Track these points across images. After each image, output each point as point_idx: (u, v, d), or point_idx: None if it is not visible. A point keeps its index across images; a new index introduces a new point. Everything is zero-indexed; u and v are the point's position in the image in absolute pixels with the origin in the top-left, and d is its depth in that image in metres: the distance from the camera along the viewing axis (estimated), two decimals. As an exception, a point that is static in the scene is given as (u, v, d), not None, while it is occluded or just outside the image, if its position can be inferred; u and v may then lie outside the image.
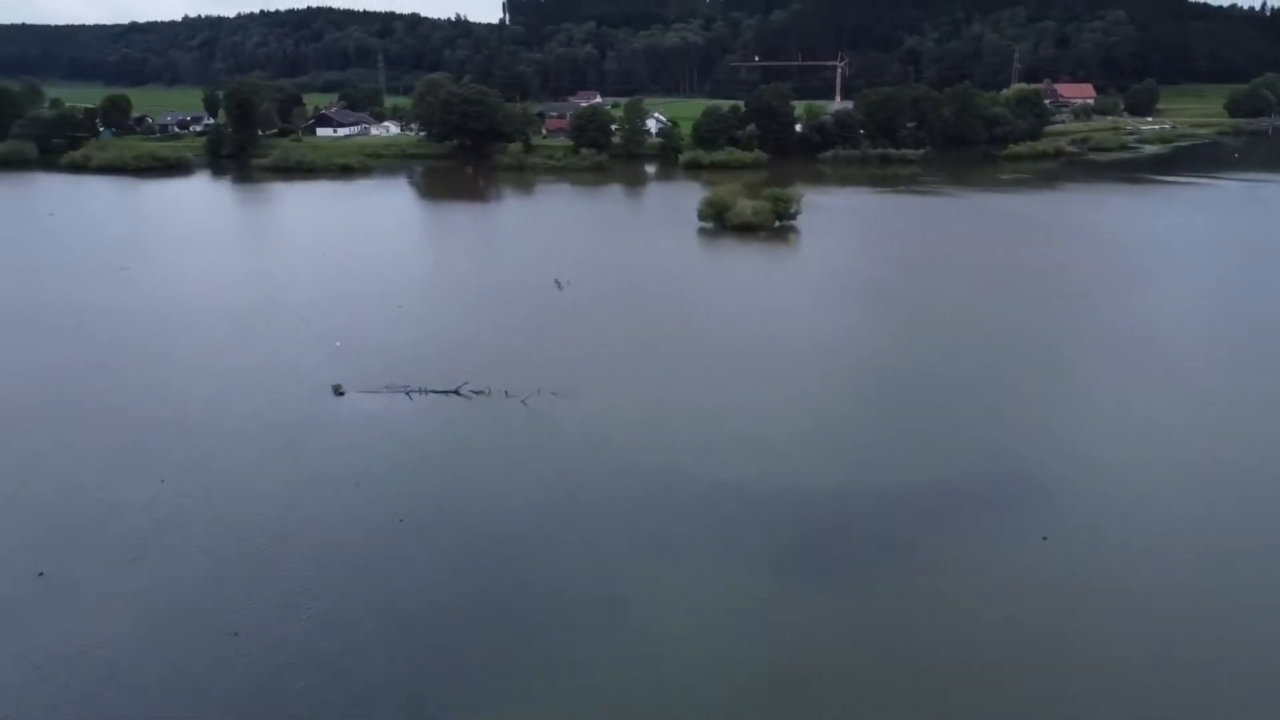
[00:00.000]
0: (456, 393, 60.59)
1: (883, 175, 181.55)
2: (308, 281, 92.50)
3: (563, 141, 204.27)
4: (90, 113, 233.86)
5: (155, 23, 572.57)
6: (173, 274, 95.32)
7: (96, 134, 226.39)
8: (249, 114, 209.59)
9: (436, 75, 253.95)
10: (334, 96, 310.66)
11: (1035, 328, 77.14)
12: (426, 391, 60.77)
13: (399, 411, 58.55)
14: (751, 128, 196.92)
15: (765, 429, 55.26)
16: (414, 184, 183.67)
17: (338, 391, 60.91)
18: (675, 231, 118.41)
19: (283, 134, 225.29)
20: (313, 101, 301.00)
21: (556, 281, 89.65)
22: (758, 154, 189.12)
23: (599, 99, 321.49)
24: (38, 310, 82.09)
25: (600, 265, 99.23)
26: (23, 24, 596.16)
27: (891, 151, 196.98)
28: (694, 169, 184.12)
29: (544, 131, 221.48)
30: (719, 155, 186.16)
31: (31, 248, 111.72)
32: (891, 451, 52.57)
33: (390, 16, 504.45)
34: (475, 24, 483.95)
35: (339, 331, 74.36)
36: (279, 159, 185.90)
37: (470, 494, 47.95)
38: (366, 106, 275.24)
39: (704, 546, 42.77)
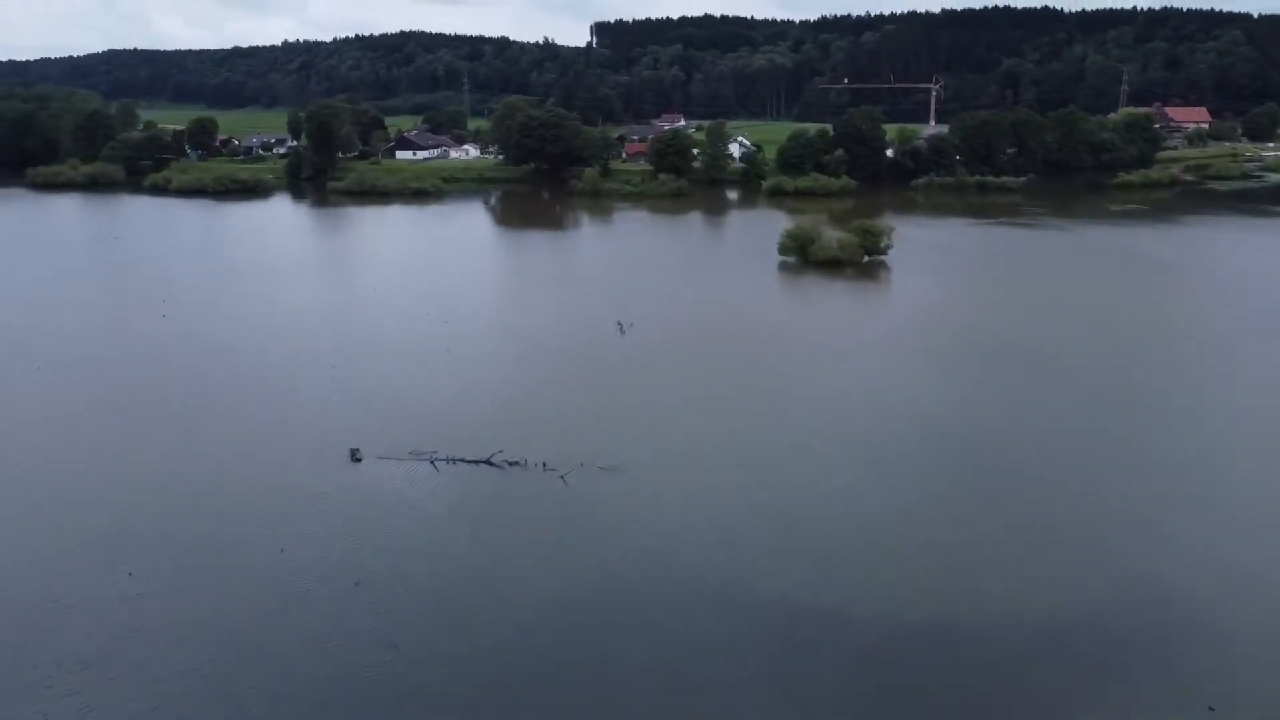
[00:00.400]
0: (488, 463, 52.36)
1: (980, 204, 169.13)
2: (350, 320, 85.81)
3: (642, 166, 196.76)
4: (178, 135, 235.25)
5: (257, 47, 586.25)
6: (211, 311, 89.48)
7: (184, 156, 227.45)
8: (328, 137, 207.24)
9: (515, 98, 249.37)
10: (419, 119, 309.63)
11: (1171, 393, 65.65)
12: (454, 460, 52.66)
13: (420, 485, 50.52)
14: (840, 153, 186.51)
15: (848, 531, 45.53)
16: (488, 209, 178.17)
17: (355, 457, 53.24)
18: (754, 266, 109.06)
19: (363, 157, 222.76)
20: (399, 124, 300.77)
21: (619, 324, 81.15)
22: (845, 180, 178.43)
23: (683, 122, 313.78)
24: (61, 346, 76.93)
25: (669, 305, 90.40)
26: (134, 49, 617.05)
27: (990, 179, 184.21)
28: (777, 196, 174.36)
29: (623, 156, 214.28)
30: (804, 182, 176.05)
31: (84, 275, 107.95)
32: (1003, 567, 42.26)
33: (480, 40, 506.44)
34: (562, 47, 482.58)
35: (370, 384, 67.06)
36: (354, 182, 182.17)
37: (481, 604, 39.38)
38: (450, 129, 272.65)
39: (757, 693, 33.39)
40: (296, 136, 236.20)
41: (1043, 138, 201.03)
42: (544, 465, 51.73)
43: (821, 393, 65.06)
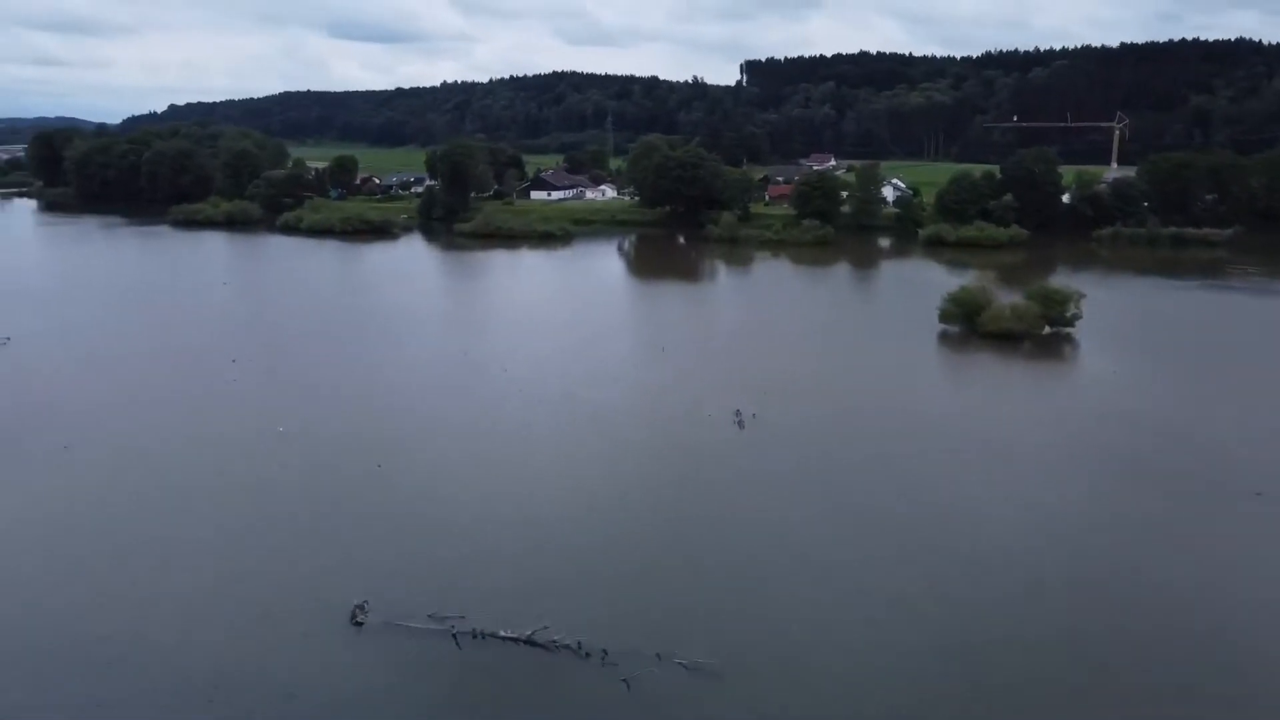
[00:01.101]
0: (529, 641, 37.29)
1: (1176, 260, 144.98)
2: (417, 399, 71.73)
3: (786, 210, 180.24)
4: (320, 173, 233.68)
5: (418, 88, 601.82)
6: (271, 377, 78.35)
7: (325, 194, 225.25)
8: (461, 176, 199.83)
9: (653, 137, 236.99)
10: (561, 159, 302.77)
11: None
12: (483, 635, 37.81)
13: (432, 670, 35.92)
14: (1008, 198, 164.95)
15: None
16: (618, 254, 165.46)
17: (355, 619, 39.10)
18: (910, 335, 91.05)
19: (497, 197, 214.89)
20: (544, 163, 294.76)
21: (738, 415, 65.05)
22: (1015, 230, 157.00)
23: (833, 162, 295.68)
24: (63, 419, 66.61)
25: (803, 387, 73.56)
26: (307, 90, 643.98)
27: (1187, 231, 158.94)
28: (936, 246, 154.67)
29: (766, 198, 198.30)
30: (968, 231, 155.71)
31: (173, 324, 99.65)
32: None
33: (629, 80, 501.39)
34: (711, 86, 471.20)
35: (412, 488, 53.31)
36: (480, 224, 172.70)
37: None
38: (590, 169, 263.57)
39: None
40: (434, 176, 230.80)
41: (1248, 183, 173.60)
42: (604, 654, 36.27)
43: (996, 543, 47.11)
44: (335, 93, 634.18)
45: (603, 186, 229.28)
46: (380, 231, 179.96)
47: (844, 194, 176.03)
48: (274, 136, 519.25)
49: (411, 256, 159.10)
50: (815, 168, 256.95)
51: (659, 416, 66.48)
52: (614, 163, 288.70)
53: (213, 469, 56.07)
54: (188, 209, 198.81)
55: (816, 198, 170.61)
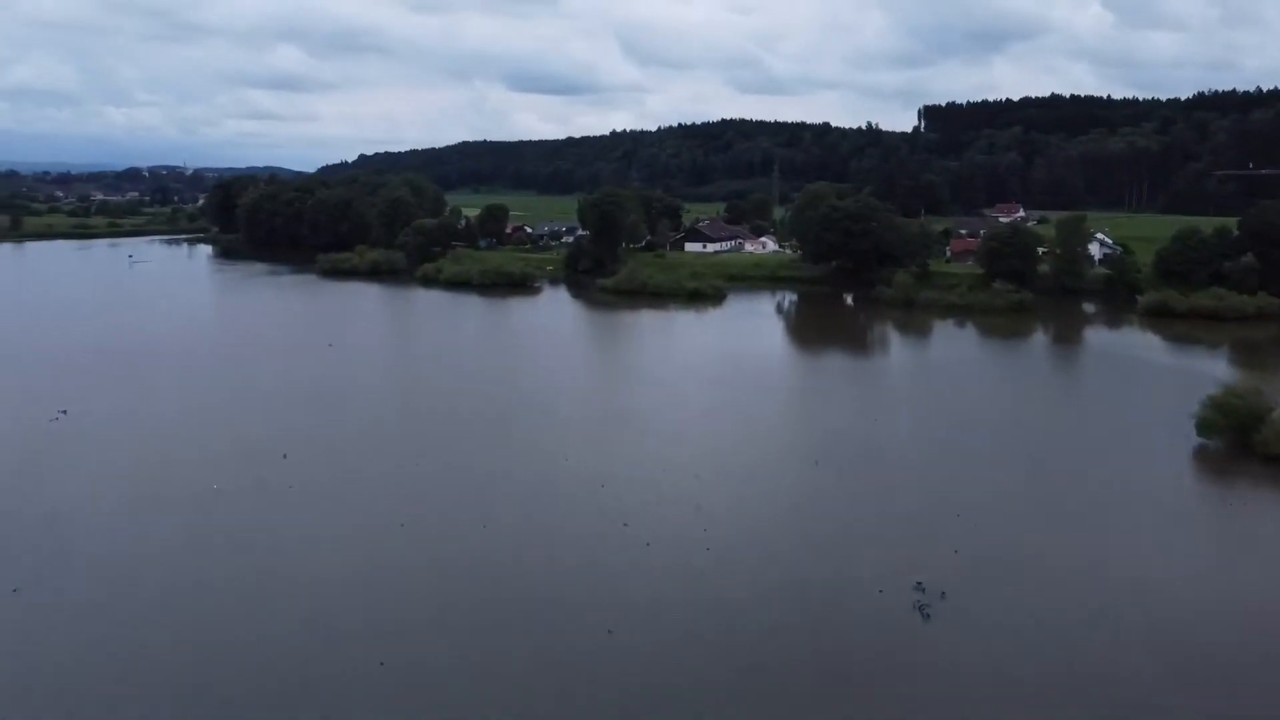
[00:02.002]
0: None
1: None
2: (465, 527, 54.08)
3: (970, 268, 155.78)
4: (471, 221, 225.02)
5: (588, 137, 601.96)
6: (313, 489, 62.58)
7: (475, 243, 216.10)
8: (611, 226, 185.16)
9: (820, 185, 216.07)
10: (723, 207, 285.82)
11: None
12: None
13: None
14: (1248, 258, 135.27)
15: None
16: (776, 316, 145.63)
17: None
18: (1152, 450, 67.08)
19: (649, 248, 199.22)
20: (710, 211, 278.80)
21: (918, 593, 43.86)
22: (1263, 299, 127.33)
23: (1021, 213, 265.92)
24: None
25: (1009, 540, 51.47)
26: (484, 140, 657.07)
27: None
28: (1160, 317, 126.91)
29: (948, 254, 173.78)
30: (1203, 299, 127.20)
31: (252, 397, 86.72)
32: None
33: (799, 127, 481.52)
34: (886, 132, 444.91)
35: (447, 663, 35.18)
36: (624, 280, 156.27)
37: None
38: (752, 219, 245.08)
39: None
40: (584, 225, 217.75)
41: None
42: None
43: None
44: (510, 142, 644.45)
45: (764, 239, 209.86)
46: (520, 285, 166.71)
47: (1042, 251, 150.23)
48: (450, 185, 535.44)
49: (543, 315, 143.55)
50: (1002, 219, 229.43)
51: (802, 579, 45.98)
52: (778, 212, 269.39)
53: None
54: (335, 258, 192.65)
55: (1009, 255, 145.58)
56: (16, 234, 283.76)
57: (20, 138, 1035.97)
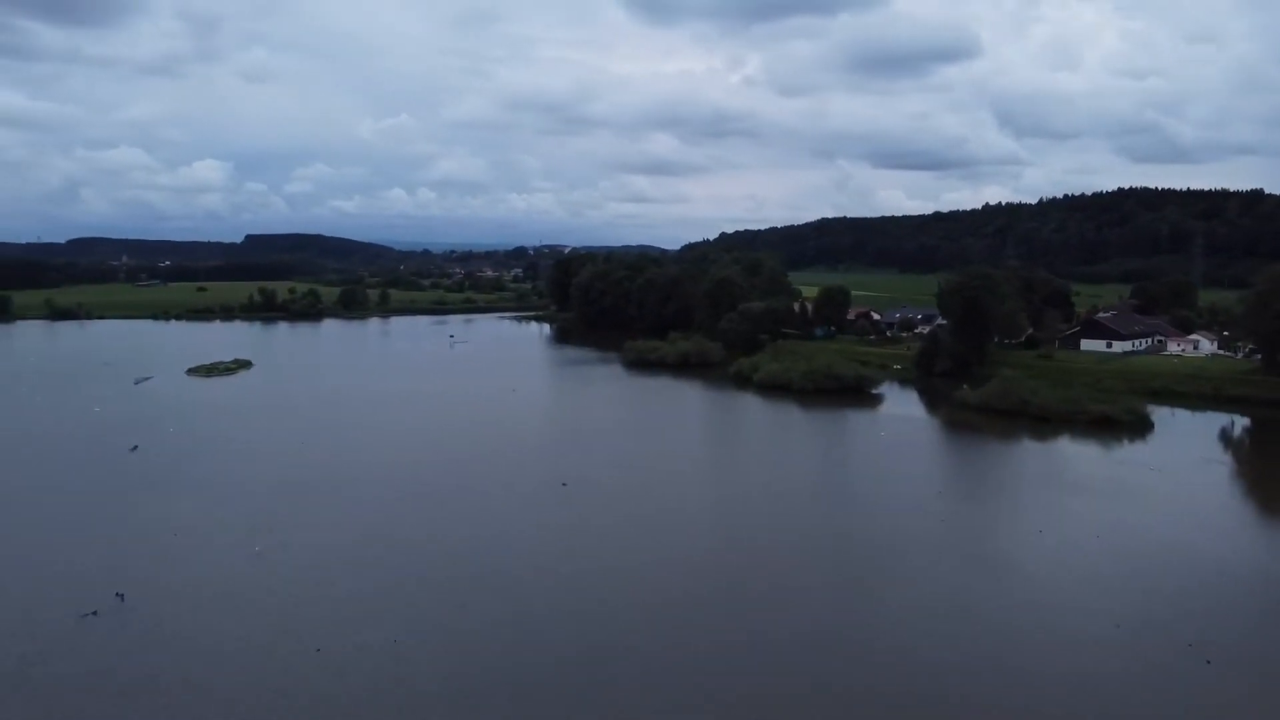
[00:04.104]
0: None
1: None
2: None
3: None
4: (805, 306, 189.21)
5: (957, 212, 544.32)
6: None
7: (809, 331, 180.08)
8: (979, 316, 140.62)
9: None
10: (1126, 291, 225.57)
11: None
12: None
13: None
14: None
15: None
16: (1228, 455, 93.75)
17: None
18: None
19: (1030, 345, 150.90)
20: (1104, 295, 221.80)
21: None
22: None
23: None
24: None
25: None
26: (843, 216, 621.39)
27: None
28: None
29: None
30: None
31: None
32: None
33: (1219, 195, 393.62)
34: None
35: None
36: (995, 394, 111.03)
37: None
38: (1169, 307, 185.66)
39: None
40: (945, 313, 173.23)
41: None
42: None
43: None
44: (871, 218, 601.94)
45: (1194, 336, 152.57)
46: (853, 391, 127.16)
47: None
48: (804, 262, 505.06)
49: (874, 448, 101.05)
50: None
51: None
52: (1205, 297, 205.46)
53: None
54: (641, 346, 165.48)
55: None
56: (383, 308, 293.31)
57: (443, 222, 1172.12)
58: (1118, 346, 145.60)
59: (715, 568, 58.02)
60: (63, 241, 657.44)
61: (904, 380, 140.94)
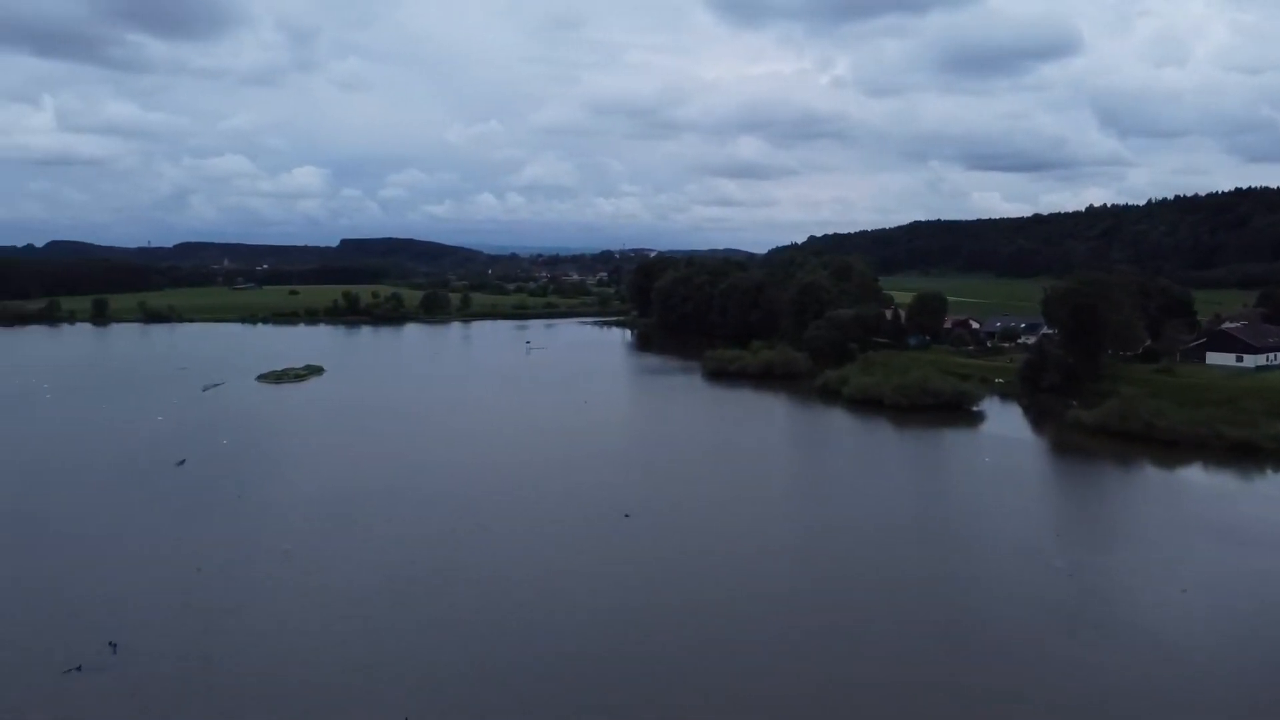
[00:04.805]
0: None
1: None
2: None
3: None
4: (898, 313, 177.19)
5: (1057, 214, 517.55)
6: None
7: (902, 341, 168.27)
8: (1092, 325, 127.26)
9: None
10: (1248, 298, 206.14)
11: None
12: None
13: None
14: None
15: None
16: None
17: None
18: None
19: (1149, 358, 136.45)
20: (1222, 301, 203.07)
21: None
22: None
23: None
24: None
25: None
26: (937, 220, 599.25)
27: None
28: None
29: None
30: None
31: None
32: None
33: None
34: None
35: None
36: (1114, 414, 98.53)
37: None
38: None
39: None
40: (1051, 322, 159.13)
41: None
42: None
43: None
44: (965, 221, 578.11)
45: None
46: (950, 407, 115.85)
47: None
48: (895, 267, 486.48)
49: (976, 468, 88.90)
50: None
51: None
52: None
53: None
54: (723, 355, 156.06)
55: None
56: (464, 313, 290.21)
57: (531, 226, 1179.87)
58: (1249, 360, 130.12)
59: (785, 621, 49.00)
60: (170, 246, 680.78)
61: (1005, 395, 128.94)
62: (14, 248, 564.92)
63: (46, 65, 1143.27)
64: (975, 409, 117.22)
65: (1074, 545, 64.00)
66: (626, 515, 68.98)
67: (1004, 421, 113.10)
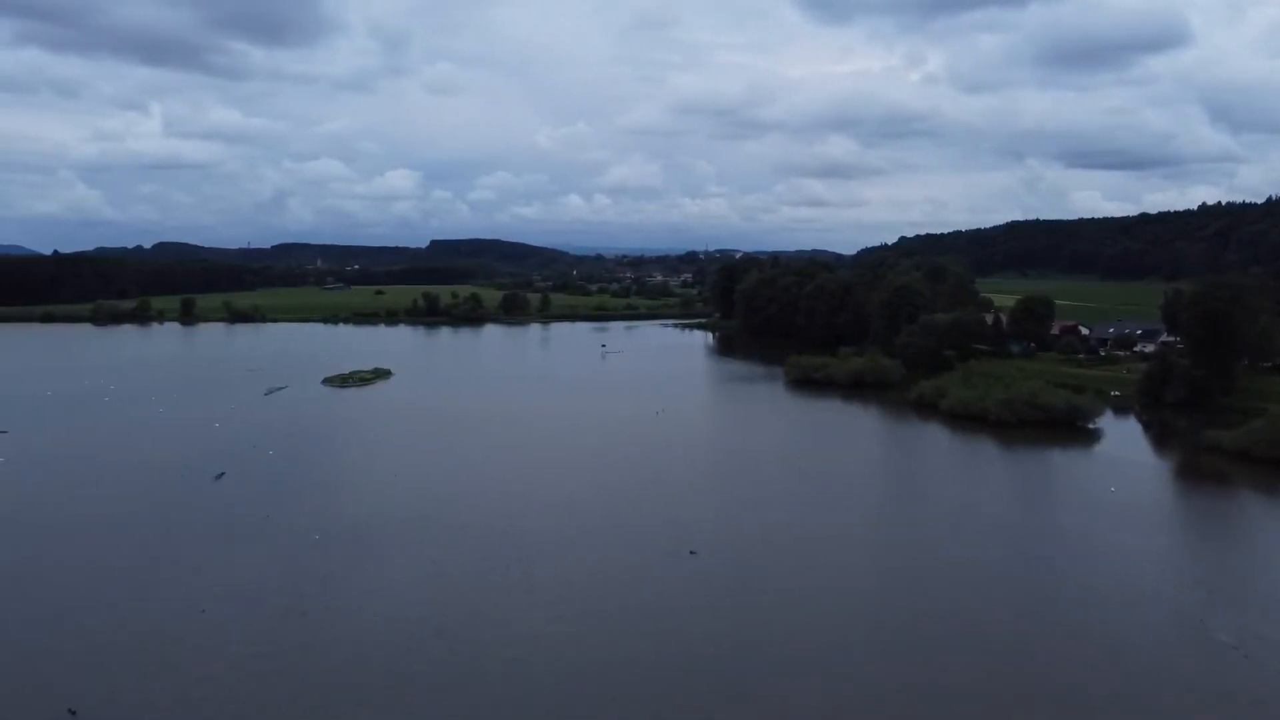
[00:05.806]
0: None
1: None
2: None
3: None
4: (1000, 318, 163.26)
5: (1166, 214, 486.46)
6: None
7: (1005, 348, 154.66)
8: (1223, 332, 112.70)
9: None
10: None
11: None
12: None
13: None
14: None
15: None
16: None
17: None
18: None
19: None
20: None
21: None
22: None
23: None
24: None
25: None
26: (1036, 219, 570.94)
27: None
28: None
29: None
30: None
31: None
32: None
33: None
34: None
35: None
36: (1264, 437, 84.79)
37: None
38: None
39: None
40: (1173, 329, 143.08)
41: None
42: None
43: None
44: (1066, 221, 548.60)
45: None
46: (1064, 424, 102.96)
47: None
48: (991, 268, 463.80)
49: (1099, 499, 76.40)
50: None
51: None
52: None
53: None
54: (807, 363, 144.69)
55: None
56: (544, 314, 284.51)
57: (617, 227, 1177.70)
58: None
59: (864, 678, 38.89)
60: (268, 247, 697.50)
61: (1120, 410, 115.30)
62: (124, 249, 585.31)
63: (155, 74, 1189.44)
64: (1090, 425, 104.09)
65: (1234, 607, 52.01)
66: (692, 552, 59.69)
67: (1123, 441, 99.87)
